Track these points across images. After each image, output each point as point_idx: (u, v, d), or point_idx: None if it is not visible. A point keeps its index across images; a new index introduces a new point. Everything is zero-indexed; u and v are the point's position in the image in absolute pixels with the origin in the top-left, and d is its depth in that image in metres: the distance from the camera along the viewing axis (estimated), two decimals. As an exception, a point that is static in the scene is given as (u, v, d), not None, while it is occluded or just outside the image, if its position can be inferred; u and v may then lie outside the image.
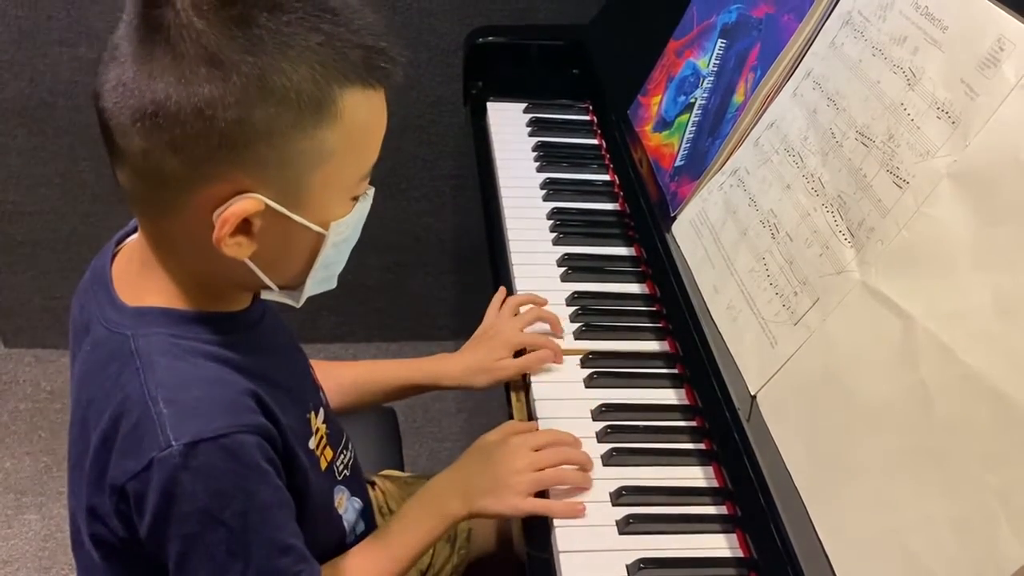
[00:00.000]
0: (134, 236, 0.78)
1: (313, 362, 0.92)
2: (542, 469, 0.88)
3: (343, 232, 0.73)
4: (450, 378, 1.06)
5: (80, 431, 0.75)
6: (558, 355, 1.05)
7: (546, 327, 1.08)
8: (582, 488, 0.90)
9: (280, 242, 0.70)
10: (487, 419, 1.90)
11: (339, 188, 0.71)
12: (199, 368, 0.70)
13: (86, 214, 1.84)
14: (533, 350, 1.04)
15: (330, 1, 0.66)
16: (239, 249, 0.69)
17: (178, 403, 0.68)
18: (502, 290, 1.13)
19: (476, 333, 1.08)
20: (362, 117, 0.69)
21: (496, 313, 1.10)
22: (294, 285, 0.75)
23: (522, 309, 1.10)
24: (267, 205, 0.67)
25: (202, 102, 0.63)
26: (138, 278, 0.74)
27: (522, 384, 1.04)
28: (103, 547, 0.74)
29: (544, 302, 1.11)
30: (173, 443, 0.66)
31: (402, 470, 1.21)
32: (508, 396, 1.04)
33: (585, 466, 0.91)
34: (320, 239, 0.72)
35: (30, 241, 1.87)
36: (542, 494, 0.89)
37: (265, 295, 0.76)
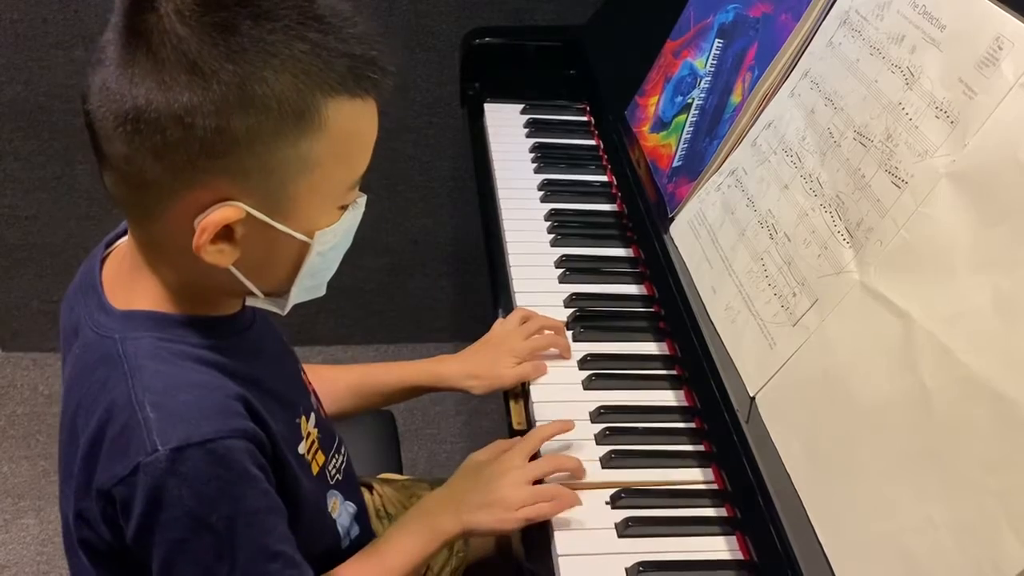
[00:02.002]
0: (124, 239, 0.78)
1: (308, 367, 0.91)
2: (537, 481, 0.88)
3: (329, 241, 0.72)
4: (448, 380, 1.05)
5: (69, 435, 0.74)
6: (565, 350, 1.05)
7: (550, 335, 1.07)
8: (574, 504, 0.88)
9: (264, 250, 0.70)
10: (487, 421, 1.91)
11: (325, 197, 0.70)
12: (187, 372, 0.70)
13: (83, 217, 1.83)
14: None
15: (318, 9, 0.66)
16: (221, 256, 0.68)
17: (165, 408, 0.67)
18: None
19: (481, 339, 1.07)
20: (349, 127, 0.68)
21: (502, 323, 1.09)
22: (280, 292, 0.75)
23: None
24: (249, 213, 0.67)
25: (181, 109, 0.63)
26: (127, 281, 0.74)
27: (520, 387, 1.04)
28: (92, 552, 0.74)
29: (558, 325, 1.08)
30: (159, 448, 0.66)
31: (400, 473, 1.20)
32: (506, 399, 1.04)
33: (577, 473, 0.90)
34: (305, 247, 0.71)
35: (27, 244, 1.86)
36: None
37: (251, 301, 0.76)
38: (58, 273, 1.88)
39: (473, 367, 1.04)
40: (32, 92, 1.69)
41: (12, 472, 1.79)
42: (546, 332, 1.06)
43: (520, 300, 1.13)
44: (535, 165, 1.37)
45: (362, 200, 0.74)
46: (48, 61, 1.66)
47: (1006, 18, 0.76)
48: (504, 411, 1.03)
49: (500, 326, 1.08)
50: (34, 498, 1.74)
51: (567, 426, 0.94)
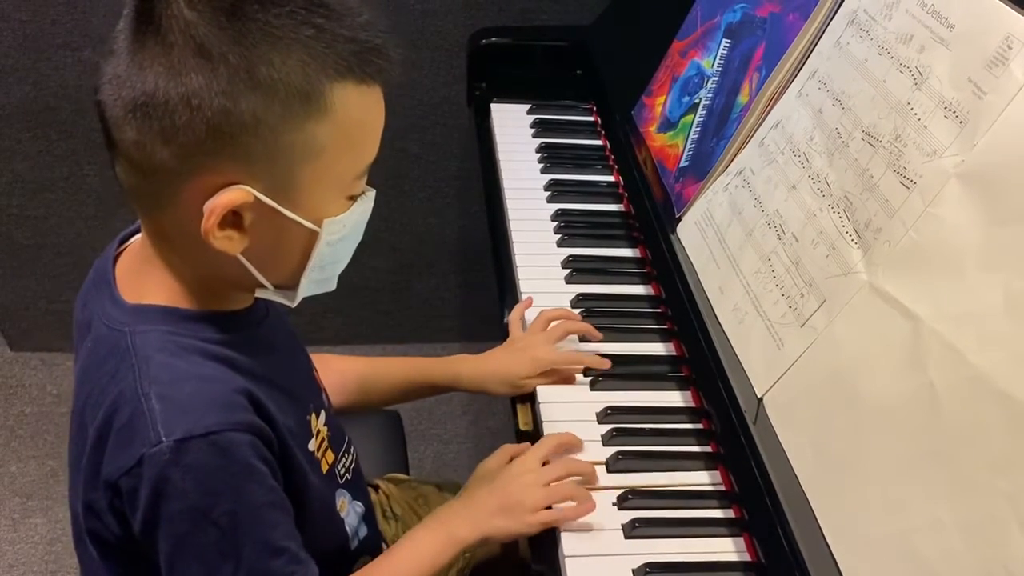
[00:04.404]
0: (138, 236, 0.78)
1: (317, 357, 0.91)
2: (549, 483, 0.88)
3: (338, 232, 0.72)
4: (469, 380, 1.04)
5: (79, 427, 0.75)
6: (597, 364, 1.02)
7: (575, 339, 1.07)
8: (590, 506, 0.88)
9: (272, 238, 0.70)
10: (493, 422, 1.91)
11: (332, 185, 0.71)
12: (193, 365, 0.70)
13: (90, 218, 1.84)
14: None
15: None
16: (229, 243, 0.68)
17: (170, 399, 0.68)
18: (528, 300, 1.11)
19: (505, 343, 1.07)
20: (355, 113, 0.68)
21: (519, 324, 1.08)
22: (290, 284, 0.75)
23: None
24: (256, 198, 0.67)
25: (189, 92, 0.63)
26: (139, 275, 0.75)
27: (527, 388, 1.04)
28: (101, 544, 0.74)
29: (576, 317, 1.08)
30: (164, 439, 0.66)
31: (407, 473, 1.20)
32: (513, 400, 1.04)
33: (591, 477, 0.90)
34: (314, 237, 0.71)
35: (35, 245, 1.87)
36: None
37: (260, 293, 0.76)
38: (66, 273, 1.89)
39: (497, 369, 1.03)
40: (40, 93, 1.69)
41: (20, 472, 1.79)
42: (570, 334, 1.05)
43: (527, 300, 1.13)
44: (542, 165, 1.37)
45: (371, 193, 0.74)
46: (56, 62, 1.67)
47: (1016, 17, 0.75)
48: (511, 412, 1.03)
49: (519, 328, 1.07)
50: (42, 498, 1.75)
51: (579, 443, 0.93)
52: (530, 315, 1.10)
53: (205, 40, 0.63)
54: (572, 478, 0.90)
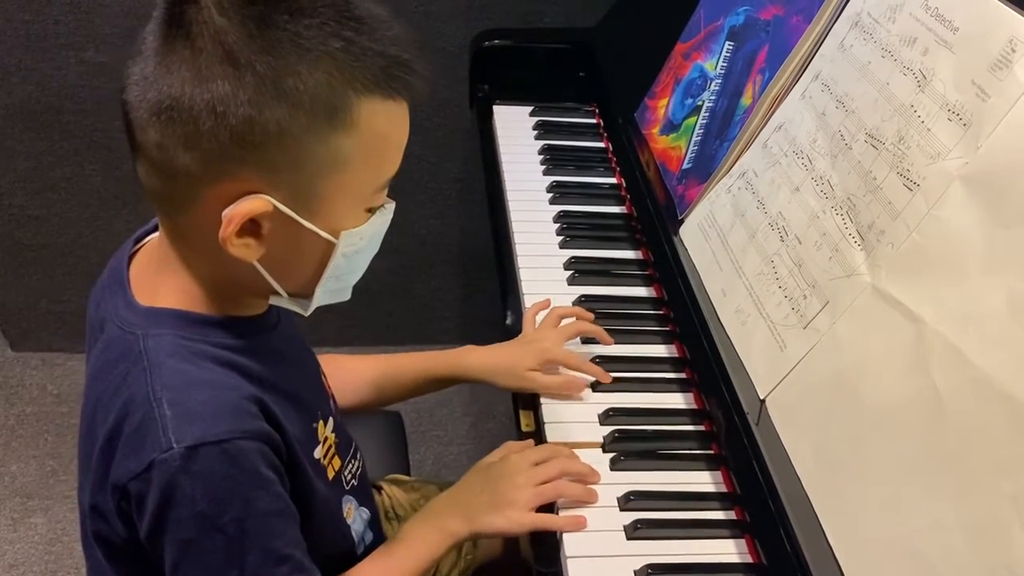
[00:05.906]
0: (154, 235, 0.78)
1: (329, 357, 0.91)
2: (542, 483, 0.88)
3: (355, 243, 0.72)
4: (475, 371, 1.03)
5: (88, 428, 0.75)
6: (602, 376, 1.02)
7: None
8: (585, 500, 0.89)
9: (289, 247, 0.70)
10: (494, 424, 1.91)
11: (352, 197, 0.71)
12: (205, 372, 0.70)
13: (92, 218, 1.83)
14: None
15: (356, 10, 0.66)
16: (247, 251, 0.68)
17: (181, 406, 0.68)
18: (546, 301, 1.10)
19: (515, 339, 1.06)
20: (380, 127, 0.68)
21: (532, 322, 1.07)
22: (304, 293, 0.75)
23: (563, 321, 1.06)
24: (276, 207, 0.67)
25: (215, 99, 0.63)
26: (154, 278, 0.75)
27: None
28: (106, 546, 0.75)
29: (589, 317, 1.07)
30: (174, 446, 0.66)
31: (408, 475, 1.20)
32: (515, 401, 1.04)
33: (587, 477, 0.90)
34: (331, 248, 0.71)
35: (36, 245, 1.87)
36: (547, 509, 0.88)
37: (274, 300, 0.76)
38: (67, 274, 1.89)
39: (502, 361, 1.03)
40: (43, 93, 1.70)
41: (21, 472, 1.79)
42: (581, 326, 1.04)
43: (529, 302, 1.13)
44: (544, 167, 1.37)
45: (391, 206, 0.75)
46: (59, 62, 1.67)
47: (1020, 20, 0.75)
48: (512, 412, 1.03)
49: (532, 325, 1.07)
50: (43, 497, 1.75)
51: (578, 464, 0.92)
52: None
53: (234, 47, 0.63)
54: (566, 478, 0.89)
